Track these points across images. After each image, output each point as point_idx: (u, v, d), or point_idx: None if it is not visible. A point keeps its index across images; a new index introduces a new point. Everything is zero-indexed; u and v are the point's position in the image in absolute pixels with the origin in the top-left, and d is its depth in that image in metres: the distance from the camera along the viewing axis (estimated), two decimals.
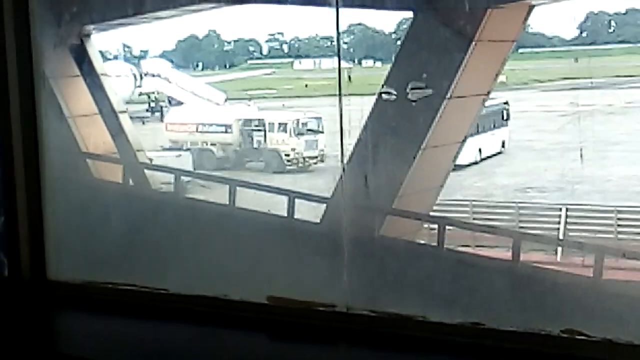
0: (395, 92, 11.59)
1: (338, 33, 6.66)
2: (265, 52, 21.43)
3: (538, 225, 15.79)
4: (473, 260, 11.17)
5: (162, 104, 20.87)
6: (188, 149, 18.55)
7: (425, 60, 11.95)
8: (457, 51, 11.76)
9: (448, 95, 11.93)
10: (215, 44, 21.65)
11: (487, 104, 15.07)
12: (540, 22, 15.84)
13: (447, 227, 12.35)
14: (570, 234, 15.15)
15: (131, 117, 16.35)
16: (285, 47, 21.17)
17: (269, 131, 18.11)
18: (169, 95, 20.67)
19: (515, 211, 15.95)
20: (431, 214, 13.34)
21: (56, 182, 5.09)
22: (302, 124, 18.03)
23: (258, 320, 4.38)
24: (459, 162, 15.72)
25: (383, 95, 11.90)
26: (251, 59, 21.54)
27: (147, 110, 20.61)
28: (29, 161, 4.87)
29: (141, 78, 20.17)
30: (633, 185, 15.59)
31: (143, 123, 19.47)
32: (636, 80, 18.18)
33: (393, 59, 13.39)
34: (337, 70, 14.31)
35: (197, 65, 21.53)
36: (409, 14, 12.61)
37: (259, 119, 18.44)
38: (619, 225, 15.17)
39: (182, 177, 15.54)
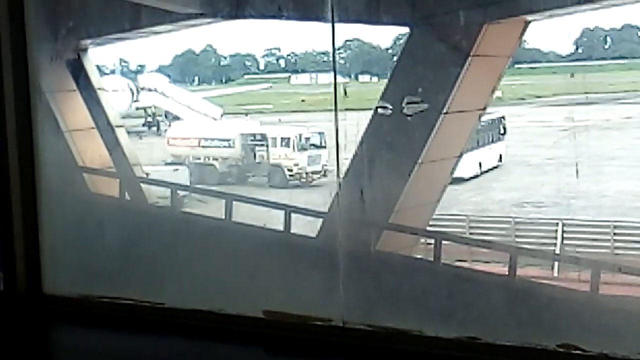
0: (391, 107, 11.61)
1: (334, 48, 6.69)
2: (262, 67, 21.45)
3: (534, 240, 15.78)
4: (469, 275, 11.17)
5: (159, 118, 20.86)
6: (181, 164, 18.52)
7: (421, 75, 11.98)
8: (453, 66, 11.79)
9: (444, 110, 11.94)
10: (212, 59, 21.67)
11: (485, 118, 15.11)
12: (536, 37, 15.87)
13: (444, 242, 12.34)
14: (567, 248, 15.14)
15: (128, 132, 16.35)
16: (282, 62, 21.19)
17: (272, 146, 18.03)
18: (166, 110, 20.66)
19: (511, 226, 15.94)
20: (428, 228, 13.33)
21: (52, 196, 5.08)
22: (305, 138, 17.96)
23: (254, 334, 4.37)
24: (461, 175, 15.83)
25: (379, 109, 11.92)
26: (248, 73, 21.55)
27: (143, 125, 20.60)
28: (24, 175, 4.87)
29: (138, 92, 20.17)
30: (629, 200, 15.59)
31: (140, 137, 19.46)
32: (632, 96, 18.23)
33: (389, 74, 13.42)
34: (339, 85, 14.39)
35: (194, 80, 21.54)
36: (405, 30, 12.64)
37: (261, 134, 18.36)
38: (615, 240, 15.17)
39: (179, 192, 15.52)
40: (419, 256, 12.65)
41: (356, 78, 19.31)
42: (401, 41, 13.61)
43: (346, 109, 11.33)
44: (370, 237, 10.02)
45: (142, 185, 15.09)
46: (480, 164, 17.70)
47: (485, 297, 7.99)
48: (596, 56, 17.85)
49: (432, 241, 12.26)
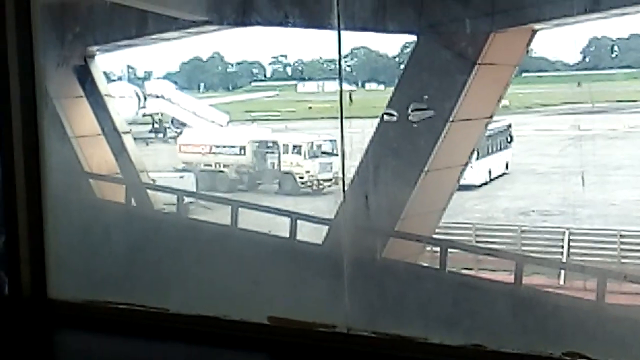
0: (396, 114, 11.60)
1: (340, 56, 6.69)
2: (268, 74, 21.48)
3: (541, 249, 15.75)
4: (475, 282, 11.15)
5: (165, 125, 20.88)
6: (189, 170, 18.50)
7: (428, 83, 11.97)
8: (459, 74, 11.78)
9: (451, 118, 11.93)
10: (219, 66, 21.69)
11: (491, 126, 15.13)
12: (543, 46, 15.88)
13: (450, 250, 12.32)
14: (573, 257, 15.10)
15: (135, 138, 16.37)
16: (288, 69, 21.21)
17: (283, 153, 18.01)
18: (172, 117, 20.68)
19: (517, 234, 15.92)
20: (434, 236, 13.32)
21: (58, 201, 5.08)
22: (317, 146, 17.90)
23: (259, 340, 4.36)
24: (472, 182, 15.92)
25: (385, 116, 11.92)
26: (255, 81, 21.57)
27: (150, 132, 20.63)
28: (30, 180, 4.88)
29: (145, 99, 20.20)
30: (636, 210, 15.57)
31: (147, 144, 19.48)
32: (639, 105, 18.20)
33: (396, 82, 13.41)
34: (345, 93, 14.40)
35: (201, 87, 21.57)
36: (413, 38, 12.64)
37: (273, 141, 18.33)
38: (621, 249, 15.14)
39: (186, 198, 15.52)
40: (424, 264, 12.64)
41: (363, 86, 19.32)
42: (408, 49, 13.62)
43: (352, 117, 11.34)
44: (376, 245, 10.01)
45: (149, 191, 15.10)
46: (489, 171, 17.75)
47: (490, 305, 7.97)
48: (603, 65, 17.84)
49: (438, 249, 12.24)
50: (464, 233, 16.10)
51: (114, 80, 18.19)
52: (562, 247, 15.39)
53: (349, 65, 18.78)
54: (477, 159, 17.06)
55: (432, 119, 11.70)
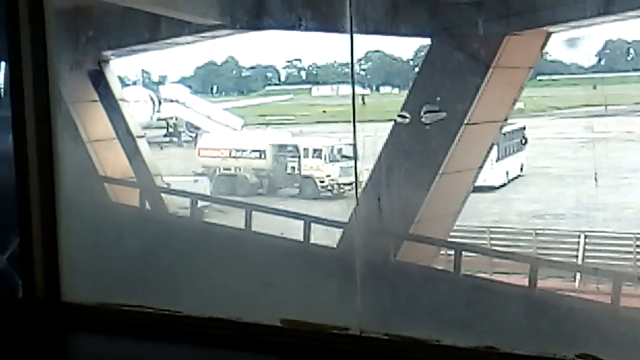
0: (409, 117, 11.60)
1: (352, 58, 6.69)
2: (283, 78, 21.49)
3: (556, 252, 15.70)
4: (489, 285, 11.12)
5: (180, 129, 20.92)
6: (204, 175, 18.49)
7: (443, 86, 11.97)
8: (474, 77, 11.77)
9: (465, 121, 11.92)
10: (233, 70, 21.72)
11: (506, 129, 15.11)
12: (558, 49, 15.83)
13: (465, 253, 12.30)
14: (588, 260, 15.05)
15: (149, 142, 16.40)
16: (303, 73, 21.22)
17: (304, 157, 17.93)
18: (187, 121, 20.71)
19: (533, 238, 15.87)
20: (448, 239, 13.30)
21: (71, 204, 5.10)
22: (337, 150, 17.82)
23: (272, 342, 4.36)
24: (492, 183, 15.98)
25: (398, 118, 11.92)
26: (269, 85, 21.59)
27: (165, 136, 20.67)
28: (44, 183, 4.90)
29: (160, 104, 20.25)
30: None
31: (161, 148, 19.53)
32: None
33: (410, 85, 13.41)
34: (358, 96, 14.39)
35: (215, 91, 21.60)
36: (427, 41, 12.63)
37: (293, 145, 18.27)
38: (637, 252, 15.07)
39: (200, 202, 15.52)
40: (439, 267, 12.61)
41: (377, 90, 19.30)
42: (422, 53, 13.61)
43: (366, 121, 11.33)
44: (390, 247, 10.00)
45: (164, 195, 15.13)
46: (507, 173, 17.75)
47: (504, 308, 7.95)
48: (618, 68, 17.77)
49: (453, 252, 12.22)
50: (479, 237, 16.07)
51: (128, 85, 18.25)
52: (578, 250, 15.33)
53: (363, 69, 18.76)
54: (497, 160, 17.12)
55: (447, 121, 11.69)
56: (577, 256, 15.26)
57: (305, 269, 8.06)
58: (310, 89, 21.01)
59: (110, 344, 4.55)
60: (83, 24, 7.26)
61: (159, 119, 20.43)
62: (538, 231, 15.91)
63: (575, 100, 18.82)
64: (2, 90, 5.76)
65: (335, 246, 11.04)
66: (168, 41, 13.61)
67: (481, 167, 13.38)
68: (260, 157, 18.31)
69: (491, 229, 16.08)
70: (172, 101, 20.36)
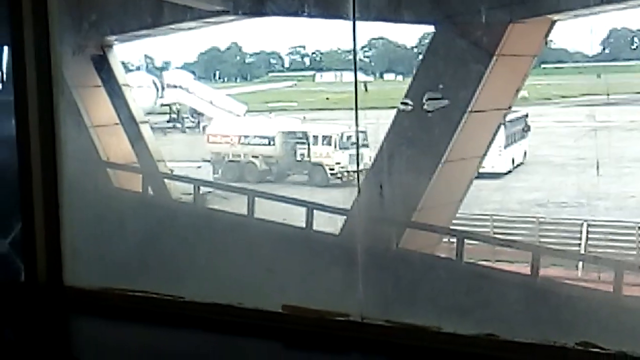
0: (412, 104, 11.59)
1: (354, 45, 6.68)
2: (286, 64, 21.46)
3: (558, 241, 15.71)
4: (491, 273, 11.12)
5: (183, 115, 20.91)
6: (212, 161, 18.44)
7: (445, 74, 11.94)
8: (477, 65, 11.75)
9: (469, 109, 11.91)
10: (236, 56, 21.68)
11: (511, 116, 15.11)
12: (562, 37, 15.78)
13: (467, 241, 12.30)
14: (591, 249, 15.05)
15: (152, 128, 16.39)
16: (306, 60, 21.18)
17: (313, 144, 17.85)
18: (190, 107, 20.70)
19: (535, 226, 15.88)
20: (450, 227, 13.30)
21: (74, 189, 5.11)
22: (347, 137, 17.73)
23: (273, 328, 4.38)
24: (499, 170, 16.04)
25: (401, 106, 11.91)
26: (272, 71, 21.55)
27: (168, 121, 20.66)
28: (46, 168, 4.91)
29: (163, 89, 20.23)
30: None
31: (165, 134, 19.52)
32: None
33: (414, 72, 13.38)
34: (360, 83, 14.36)
35: (219, 78, 21.58)
36: (431, 28, 12.61)
37: (302, 132, 18.17)
38: None
39: (203, 188, 15.51)
40: (441, 255, 12.62)
41: (381, 77, 19.27)
42: (427, 40, 13.58)
43: (369, 108, 11.32)
44: (392, 235, 10.00)
45: (166, 181, 15.13)
46: (513, 160, 17.79)
47: (505, 296, 7.96)
48: (623, 57, 17.72)
49: (455, 240, 12.23)
50: (481, 224, 16.08)
51: (132, 70, 18.23)
52: (580, 239, 15.33)
53: (367, 56, 18.73)
54: (506, 147, 17.16)
55: (450, 109, 11.68)
56: (579, 245, 15.26)
57: (307, 255, 8.07)
58: (314, 75, 20.97)
59: (112, 328, 4.57)
60: (86, 8, 7.24)
61: (162, 105, 20.42)
62: (540, 219, 15.91)
63: (579, 89, 18.79)
64: (4, 75, 5.76)
65: (337, 233, 11.05)
66: (171, 27, 13.60)
67: (484, 155, 13.37)
68: (269, 144, 18.26)
69: (494, 217, 16.09)
70: (175, 87, 20.35)
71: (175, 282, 5.06)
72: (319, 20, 12.89)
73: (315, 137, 17.86)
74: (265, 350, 4.28)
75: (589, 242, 15.25)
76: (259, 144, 18.36)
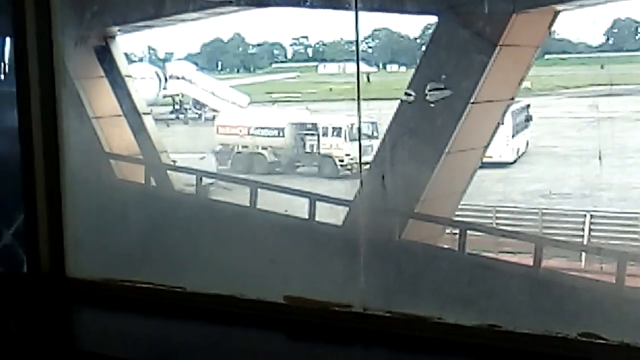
0: (414, 95, 11.58)
1: (357, 36, 6.66)
2: (289, 55, 21.44)
3: (562, 232, 15.71)
4: (493, 264, 11.12)
5: (186, 106, 20.91)
6: (217, 152, 18.40)
7: (448, 64, 11.93)
8: (481, 56, 11.73)
9: (472, 100, 11.90)
10: (239, 47, 21.67)
11: (515, 106, 15.12)
12: (566, 28, 15.76)
13: (471, 233, 12.31)
14: (594, 240, 15.06)
15: (155, 119, 16.39)
16: (309, 50, 21.17)
17: (323, 135, 17.76)
18: (193, 98, 20.69)
19: (538, 217, 15.88)
20: (453, 218, 13.30)
21: (77, 180, 5.11)
22: (357, 128, 17.63)
23: (275, 319, 4.38)
24: (505, 159, 16.12)
25: (404, 97, 11.90)
26: (275, 62, 21.54)
27: (171, 113, 20.67)
28: (49, 159, 4.91)
29: (166, 80, 20.23)
30: None
31: (167, 125, 19.53)
32: None
33: (417, 63, 13.37)
34: (363, 74, 14.33)
35: (222, 68, 21.56)
36: (434, 19, 12.59)
37: (312, 123, 18.06)
38: None
39: (206, 180, 15.50)
40: (444, 246, 12.62)
41: (384, 67, 19.26)
42: (430, 31, 13.56)
43: (372, 99, 11.31)
44: (395, 226, 10.00)
45: (169, 172, 15.14)
46: (518, 150, 17.83)
47: (508, 287, 7.96)
48: (627, 47, 17.69)
49: (458, 231, 12.23)
50: (484, 216, 16.09)
51: (134, 62, 18.23)
52: (583, 230, 15.34)
53: (370, 47, 18.72)
54: (513, 136, 17.20)
55: (453, 99, 11.66)
56: (582, 236, 15.27)
57: (310, 246, 8.07)
58: (317, 66, 20.96)
59: (114, 319, 4.57)
60: None
61: (164, 96, 20.42)
62: (543, 210, 15.92)
63: (583, 80, 18.77)
64: (6, 66, 5.76)
65: (340, 224, 11.05)
66: (174, 18, 13.58)
67: (487, 146, 13.37)
68: (279, 135, 18.19)
69: (496, 208, 16.10)
70: (178, 78, 20.34)
71: (178, 273, 5.07)
72: (322, 10, 12.87)
73: (325, 128, 17.77)
74: (267, 340, 4.28)
75: (592, 233, 15.26)
76: (269, 136, 18.30)
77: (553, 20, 12.43)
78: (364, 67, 17.02)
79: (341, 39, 19.23)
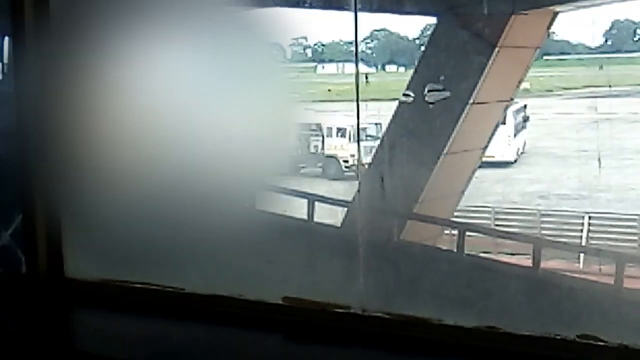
0: (413, 96, 11.58)
1: (356, 37, 6.68)
2: (288, 56, 21.42)
3: (560, 233, 15.73)
4: (492, 265, 11.13)
5: None
6: None
7: (447, 65, 11.94)
8: (479, 57, 11.74)
9: (470, 101, 11.91)
10: None
11: (514, 107, 15.15)
12: (565, 29, 15.79)
13: (470, 233, 12.32)
14: (593, 242, 15.08)
15: None
16: (308, 51, 21.18)
17: (327, 136, 17.64)
18: None
19: (537, 218, 15.90)
20: (452, 219, 13.31)
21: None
22: (362, 129, 17.57)
23: (273, 320, 4.37)
24: (507, 159, 16.16)
25: (403, 97, 11.91)
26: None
27: None
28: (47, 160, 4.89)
29: None
30: None
31: None
32: None
33: (416, 64, 13.38)
34: (362, 75, 14.31)
35: None
36: (433, 20, 12.60)
37: (316, 124, 17.96)
38: None
39: None
40: (442, 247, 12.63)
41: (383, 68, 19.26)
42: (429, 31, 13.58)
43: (371, 100, 11.32)
44: (393, 227, 10.01)
45: None
46: (518, 149, 17.87)
47: (507, 288, 7.97)
48: (626, 49, 17.71)
49: (456, 232, 12.24)
50: (483, 217, 16.11)
51: None
52: (582, 231, 15.35)
53: (369, 48, 18.73)
54: (515, 136, 17.23)
55: (452, 100, 11.67)
56: (581, 237, 15.28)
57: (308, 247, 8.07)
58: (316, 67, 20.96)
59: (113, 320, 4.56)
60: None
61: None
62: (542, 211, 15.93)
63: (582, 81, 18.79)
64: (5, 66, 5.76)
65: (339, 225, 11.06)
66: None
67: (486, 146, 13.38)
68: (282, 136, 18.00)
69: (495, 209, 16.11)
70: None
71: (177, 273, 5.06)
72: (321, 11, 12.88)
73: (330, 129, 17.67)
74: (265, 342, 4.28)
75: (591, 234, 15.27)
76: None
77: (552, 22, 12.45)
78: (362, 67, 17.04)
79: (340, 39, 19.25)
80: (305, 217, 12.14)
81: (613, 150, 13.51)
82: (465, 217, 14.78)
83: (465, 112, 11.96)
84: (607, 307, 6.10)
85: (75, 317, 4.81)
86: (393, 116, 12.26)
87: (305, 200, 12.84)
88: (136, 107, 4.75)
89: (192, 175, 5.06)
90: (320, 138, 17.65)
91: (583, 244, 15.17)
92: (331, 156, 17.36)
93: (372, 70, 18.43)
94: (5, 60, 5.91)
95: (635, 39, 18.12)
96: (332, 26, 15.86)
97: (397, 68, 19.03)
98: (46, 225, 4.81)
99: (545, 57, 17.40)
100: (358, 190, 10.84)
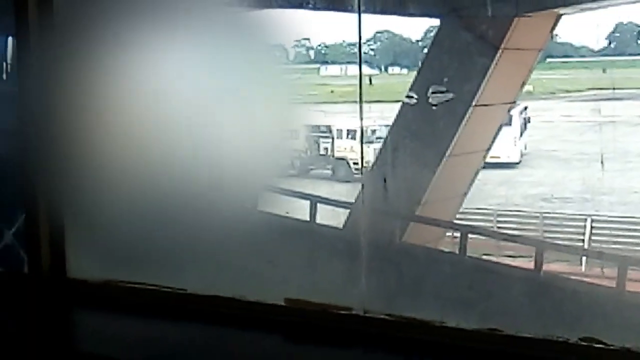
0: (417, 97, 11.59)
1: (359, 38, 6.68)
2: (291, 57, 21.42)
3: (563, 236, 15.72)
4: (494, 268, 11.13)
5: None
6: None
7: (451, 67, 11.94)
8: (482, 59, 11.74)
9: (474, 103, 11.91)
10: None
11: (517, 109, 15.15)
12: (568, 32, 15.78)
13: (472, 236, 12.32)
14: (595, 244, 15.06)
15: None
16: (311, 53, 21.18)
17: (337, 138, 17.59)
18: None
19: (539, 221, 15.89)
20: (454, 221, 13.31)
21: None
22: (372, 131, 17.50)
23: (275, 321, 4.37)
24: (513, 160, 16.18)
25: (405, 99, 11.91)
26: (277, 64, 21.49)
27: None
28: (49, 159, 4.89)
29: None
30: None
31: None
32: None
33: (419, 66, 13.39)
34: (365, 77, 14.30)
35: None
36: (436, 22, 12.60)
37: (326, 125, 17.90)
38: None
39: None
40: (444, 249, 12.63)
41: (386, 70, 19.26)
42: (432, 33, 13.58)
43: (374, 101, 11.32)
44: (396, 229, 10.00)
45: None
46: (522, 151, 17.88)
47: (509, 291, 7.96)
48: (629, 51, 17.70)
49: (459, 234, 12.24)
50: (485, 219, 16.10)
51: None
52: (584, 234, 15.34)
53: (372, 49, 18.73)
54: (521, 137, 17.24)
55: (455, 102, 11.67)
56: (583, 240, 15.27)
57: (311, 248, 8.07)
58: (319, 68, 20.96)
59: (115, 320, 4.56)
60: None
61: None
62: (545, 214, 15.92)
63: (585, 84, 18.78)
64: (9, 65, 5.77)
65: (341, 227, 11.06)
66: None
67: (489, 149, 13.38)
68: (292, 138, 18.00)
69: (497, 212, 16.11)
70: None
71: (178, 274, 5.06)
72: (324, 12, 12.88)
73: (340, 130, 17.61)
74: (266, 343, 4.27)
75: (593, 237, 15.26)
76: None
77: (555, 24, 12.44)
78: (365, 69, 17.04)
79: (343, 41, 19.25)
80: (307, 218, 12.15)
81: (616, 153, 13.49)
82: (467, 219, 14.77)
83: (468, 114, 11.95)
84: (610, 309, 6.09)
85: (77, 318, 4.82)
86: (396, 118, 12.26)
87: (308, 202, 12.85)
88: (139, 107, 4.75)
89: (194, 176, 5.05)
90: (330, 140, 17.60)
91: (585, 246, 15.15)
92: (341, 158, 17.31)
93: (376, 72, 18.43)
94: (9, 60, 5.91)
95: (639, 41, 18.10)
96: (336, 28, 15.86)
97: (401, 70, 19.02)
98: (49, 225, 4.81)
99: (548, 60, 17.38)
100: (361, 192, 10.83)
